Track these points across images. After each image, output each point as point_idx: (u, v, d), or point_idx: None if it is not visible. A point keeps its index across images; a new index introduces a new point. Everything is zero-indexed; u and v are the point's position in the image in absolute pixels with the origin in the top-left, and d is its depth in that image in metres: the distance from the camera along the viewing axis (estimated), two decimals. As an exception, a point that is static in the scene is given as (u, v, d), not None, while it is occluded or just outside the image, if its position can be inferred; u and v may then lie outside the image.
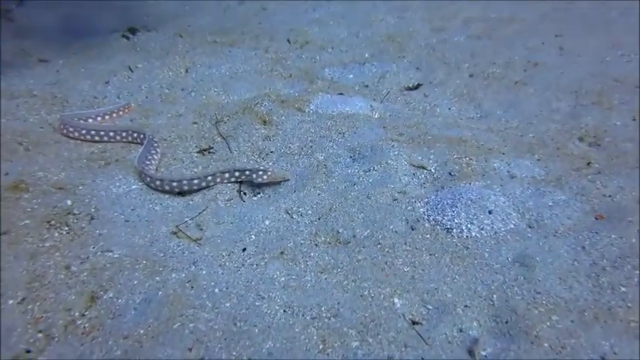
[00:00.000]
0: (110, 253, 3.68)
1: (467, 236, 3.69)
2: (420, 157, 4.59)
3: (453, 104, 5.85)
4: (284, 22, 8.62)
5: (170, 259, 3.69)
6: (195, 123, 5.53)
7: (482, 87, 6.07)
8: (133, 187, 4.48)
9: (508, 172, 4.30)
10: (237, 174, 4.48)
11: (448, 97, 6.02)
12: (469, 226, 3.71)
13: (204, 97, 6.15)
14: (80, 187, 4.30)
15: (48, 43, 7.25)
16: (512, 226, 3.70)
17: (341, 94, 6.01)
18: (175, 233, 3.98)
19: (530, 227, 3.71)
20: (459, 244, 3.66)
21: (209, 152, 5.07)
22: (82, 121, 5.17)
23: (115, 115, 5.55)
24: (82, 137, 5.00)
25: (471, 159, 4.46)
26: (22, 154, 4.57)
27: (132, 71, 6.54)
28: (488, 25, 7.71)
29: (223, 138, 5.24)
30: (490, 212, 3.74)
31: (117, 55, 6.96)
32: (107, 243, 3.78)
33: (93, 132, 5.00)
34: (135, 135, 5.05)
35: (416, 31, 7.77)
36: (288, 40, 7.81)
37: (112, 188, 4.40)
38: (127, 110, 5.67)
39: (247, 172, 4.45)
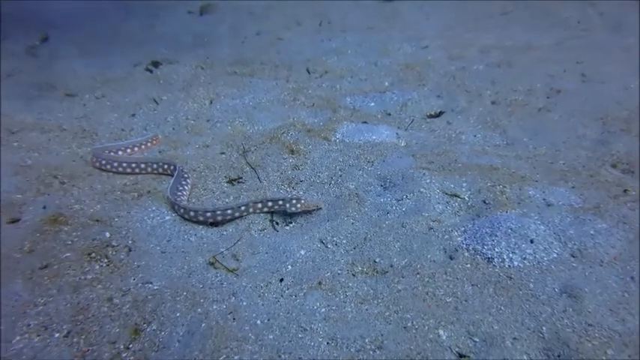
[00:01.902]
0: (150, 285, 3.67)
1: (509, 266, 3.66)
2: (452, 185, 4.59)
3: (478, 132, 5.89)
4: (301, 52, 8.76)
5: (209, 290, 3.67)
6: (222, 153, 5.57)
7: (506, 114, 6.12)
8: (167, 218, 4.50)
9: (544, 200, 4.29)
10: (270, 204, 4.50)
11: (472, 124, 6.06)
12: (511, 255, 3.69)
13: (229, 127, 6.21)
14: (116, 219, 4.32)
15: (73, 77, 7.38)
16: (555, 255, 3.67)
17: (365, 122, 6.07)
18: (212, 264, 3.97)
19: (573, 257, 3.68)
20: (501, 274, 3.63)
21: (238, 182, 5.09)
22: (112, 154, 5.22)
23: (143, 146, 5.61)
24: (114, 169, 5.04)
25: (504, 187, 4.46)
26: (57, 187, 4.61)
27: (157, 103, 6.63)
28: (505, 53, 7.81)
29: (252, 168, 5.27)
30: (532, 241, 3.72)
31: (141, 87, 7.08)
32: (146, 274, 3.78)
33: (125, 164, 5.05)
34: (165, 166, 5.09)
35: (434, 59, 7.88)
36: (308, 70, 7.93)
37: (146, 220, 4.42)
38: (155, 142, 5.73)
39: (280, 202, 4.46)
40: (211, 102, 6.75)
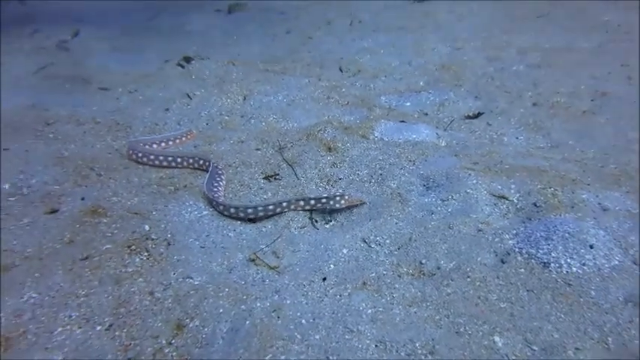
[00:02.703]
0: (191, 280, 3.56)
1: (567, 272, 3.47)
2: (499, 187, 4.42)
3: (520, 133, 5.70)
4: (332, 51, 8.65)
5: (252, 287, 3.55)
6: (258, 149, 5.46)
7: (549, 116, 5.92)
8: (204, 212, 4.39)
9: (599, 204, 4.09)
10: (312, 202, 4.36)
11: (513, 125, 5.87)
12: (569, 261, 3.50)
13: (263, 124, 6.11)
14: (154, 213, 4.23)
15: (105, 72, 7.35)
16: (616, 262, 3.47)
17: (403, 121, 5.91)
18: (253, 260, 3.85)
19: (635, 264, 3.48)
20: (559, 280, 3.44)
21: (275, 179, 4.97)
22: (147, 147, 5.15)
23: (178, 141, 5.53)
24: (150, 162, 4.97)
25: (556, 190, 4.27)
26: (94, 180, 4.54)
27: (190, 98, 6.56)
28: (544, 54, 7.60)
29: (289, 164, 5.15)
30: (591, 247, 3.53)
31: (173, 83, 7.01)
32: (186, 269, 3.67)
33: (161, 157, 4.97)
34: (201, 162, 5.00)
35: (470, 60, 7.70)
36: (340, 69, 7.81)
37: (184, 214, 4.32)
38: (189, 136, 5.65)
39: (324, 200, 4.33)
40: (245, 98, 6.66)
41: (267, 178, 4.98)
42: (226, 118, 6.19)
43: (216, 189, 4.53)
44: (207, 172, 4.77)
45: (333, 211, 4.37)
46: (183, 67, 7.49)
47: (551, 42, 8.14)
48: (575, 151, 5.21)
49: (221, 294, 3.43)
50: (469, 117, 6.25)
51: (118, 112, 6.13)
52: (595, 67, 6.92)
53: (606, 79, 6.52)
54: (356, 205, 4.40)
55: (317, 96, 6.84)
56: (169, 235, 3.98)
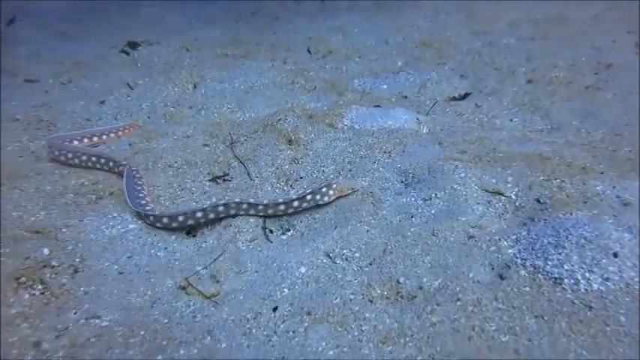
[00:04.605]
0: (97, 320, 2.73)
1: (586, 290, 2.67)
2: (493, 180, 3.61)
3: (515, 115, 4.89)
4: (301, 31, 7.79)
5: (177, 326, 2.72)
6: (206, 145, 4.61)
7: (547, 94, 5.11)
8: (131, 226, 3.55)
9: (617, 197, 3.30)
10: (295, 203, 3.55)
11: (506, 106, 5.07)
12: (587, 275, 2.70)
13: (215, 115, 5.25)
14: (64, 230, 3.38)
15: (36, 62, 6.40)
16: (650, 274, 2.68)
17: (378, 106, 5.08)
18: (184, 288, 3.02)
19: (675, 276, 2.69)
20: (576, 301, 2.64)
21: (224, 180, 4.14)
22: (66, 143, 4.28)
23: (105, 137, 4.65)
24: (65, 160, 4.11)
25: (562, 181, 3.47)
26: (-8, 189, 3.65)
27: (131, 89, 5.68)
28: (537, 26, 6.81)
29: (241, 162, 4.31)
30: (615, 255, 2.74)
31: (115, 72, 6.11)
32: (94, 305, 2.83)
33: (71, 154, 4.12)
34: (111, 164, 4.11)
35: (454, 35, 6.87)
36: (309, 50, 6.95)
37: (103, 229, 3.48)
38: (129, 130, 4.77)
39: (308, 197, 3.54)
40: (195, 86, 5.79)
41: (214, 179, 4.14)
42: (172, 109, 5.31)
43: (141, 198, 3.67)
44: (123, 179, 3.88)
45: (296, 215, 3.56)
46: (127, 53, 6.58)
47: (543, 13, 7.34)
48: (581, 132, 4.41)
49: (133, 340, 2.58)
50: (455, 98, 5.44)
51: (43, 107, 5.23)
52: (596, 36, 6.12)
53: (610, 48, 5.72)
54: (347, 195, 3.67)
55: (280, 81, 5.98)
56: (78, 260, 3.13)
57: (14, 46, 6.77)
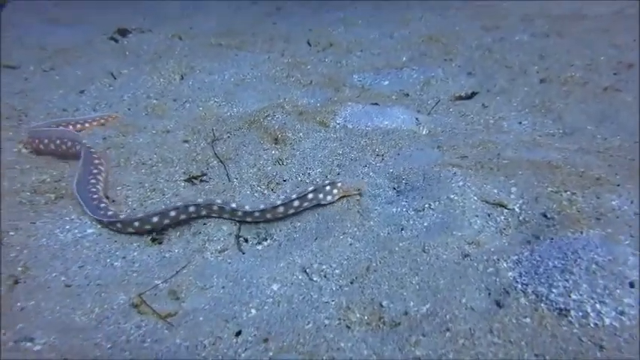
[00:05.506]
0: (29, 344, 2.37)
1: (596, 325, 2.27)
2: (495, 190, 3.21)
3: (524, 117, 4.47)
4: (302, 23, 7.38)
5: (120, 353, 2.37)
6: (186, 142, 4.27)
7: (560, 95, 4.68)
8: (89, 231, 3.20)
9: (635, 214, 2.88)
10: (296, 203, 3.21)
11: (515, 107, 4.64)
12: (598, 307, 2.30)
13: (200, 108, 4.89)
14: (11, 234, 3.07)
15: (18, 47, 6.08)
16: (674, 311, 2.27)
17: (376, 104, 4.69)
18: (137, 306, 2.66)
19: None
20: (584, 338, 2.24)
21: (201, 181, 3.78)
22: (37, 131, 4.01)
23: (88, 125, 4.34)
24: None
25: (573, 193, 3.07)
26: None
27: (115, 78, 5.33)
28: (553, 22, 6.34)
29: (221, 161, 3.95)
30: (632, 285, 2.34)
31: (99, 59, 5.77)
32: (29, 324, 2.50)
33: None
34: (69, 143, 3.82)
35: (463, 30, 6.43)
36: (308, 42, 6.55)
37: (57, 234, 3.15)
38: (105, 120, 4.45)
39: (310, 196, 3.21)
40: (182, 77, 5.43)
41: (190, 179, 3.79)
42: (154, 101, 4.96)
43: (94, 191, 3.33)
44: (79, 160, 3.57)
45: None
46: (116, 41, 6.23)
47: (560, 8, 6.86)
48: (596, 139, 3.98)
49: (65, 369, 2.23)
50: (460, 97, 5.03)
51: (19, 96, 4.92)
52: (616, 34, 5.64)
53: (632, 47, 5.24)
54: (352, 196, 3.35)
55: (274, 74, 5.60)
56: (20, 269, 2.80)
57: (1, 30, 6.46)
